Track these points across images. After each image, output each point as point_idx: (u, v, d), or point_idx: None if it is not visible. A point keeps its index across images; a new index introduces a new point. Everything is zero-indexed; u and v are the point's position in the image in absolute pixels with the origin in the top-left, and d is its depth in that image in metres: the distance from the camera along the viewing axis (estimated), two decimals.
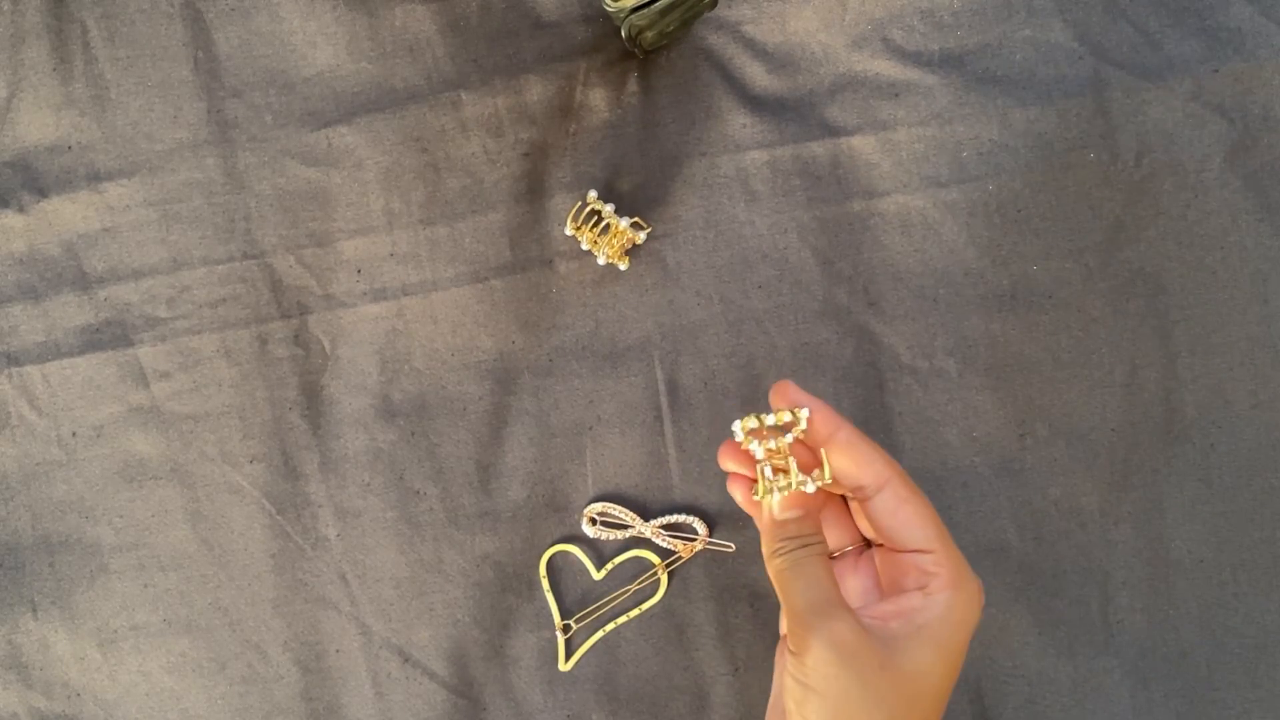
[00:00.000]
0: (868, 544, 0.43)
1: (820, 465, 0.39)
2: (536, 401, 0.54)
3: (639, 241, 0.53)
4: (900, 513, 0.39)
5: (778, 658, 0.43)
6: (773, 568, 0.39)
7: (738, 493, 0.43)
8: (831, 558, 0.43)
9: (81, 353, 0.54)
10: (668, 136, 0.54)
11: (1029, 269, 0.53)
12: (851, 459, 0.39)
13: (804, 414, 0.39)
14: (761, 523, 0.40)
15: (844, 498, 0.44)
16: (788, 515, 0.39)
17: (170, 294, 0.54)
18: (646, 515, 0.53)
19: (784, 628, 0.41)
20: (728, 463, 0.42)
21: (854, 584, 0.42)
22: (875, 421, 0.53)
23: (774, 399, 0.41)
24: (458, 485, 0.54)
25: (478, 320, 0.54)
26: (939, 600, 0.37)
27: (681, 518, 0.52)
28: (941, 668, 0.37)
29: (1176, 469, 0.52)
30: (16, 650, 0.54)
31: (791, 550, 0.38)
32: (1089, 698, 0.52)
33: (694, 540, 0.52)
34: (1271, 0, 0.52)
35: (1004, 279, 0.53)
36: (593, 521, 0.52)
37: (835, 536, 0.43)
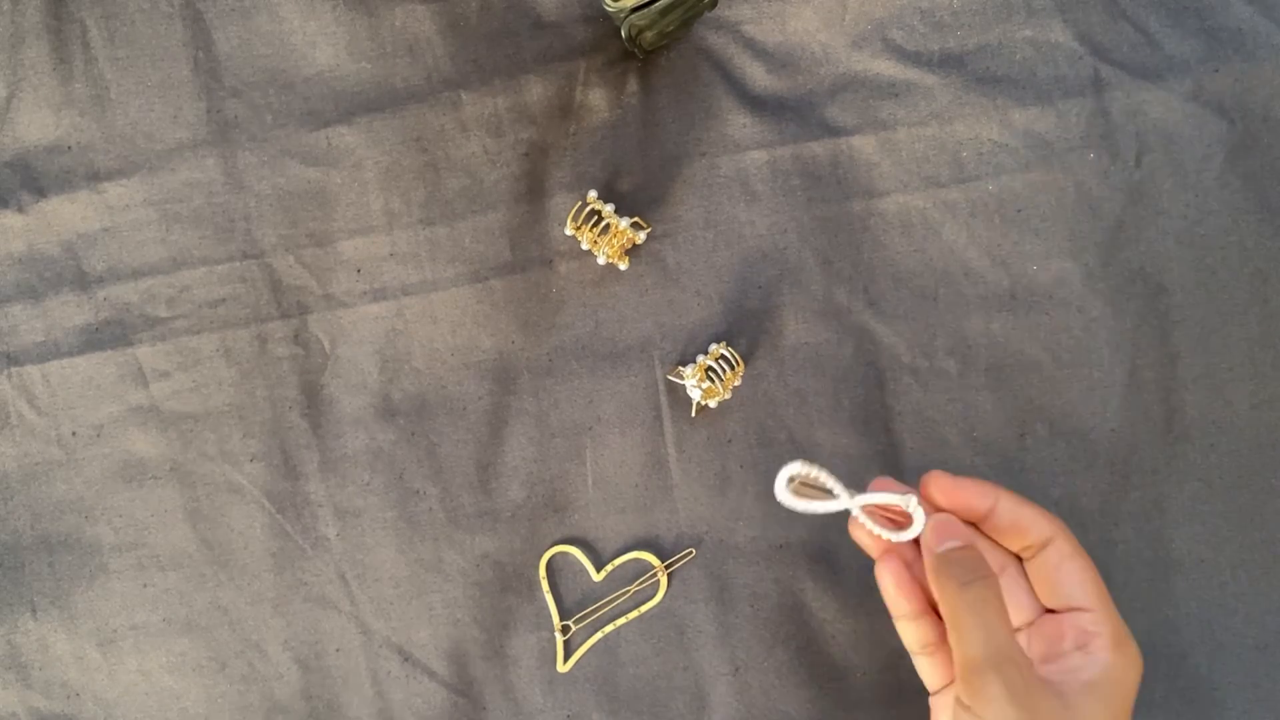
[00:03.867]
0: None
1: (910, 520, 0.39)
2: (536, 401, 0.54)
3: (639, 241, 0.53)
4: (1063, 569, 0.38)
5: (935, 713, 0.41)
6: (945, 605, 0.36)
7: (863, 537, 0.41)
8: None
9: (81, 352, 0.54)
10: (668, 136, 0.54)
11: (1029, 269, 0.53)
12: (1013, 522, 0.39)
13: (917, 513, 0.38)
14: (925, 561, 0.38)
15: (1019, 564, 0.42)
16: (950, 545, 0.37)
17: (170, 294, 0.54)
18: (655, 528, 0.53)
19: (927, 679, 0.40)
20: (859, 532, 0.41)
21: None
22: (875, 421, 0.53)
23: (929, 493, 0.40)
24: (458, 485, 0.54)
25: (478, 320, 0.54)
26: (1100, 660, 0.36)
27: (896, 499, 0.40)
28: None
29: (1176, 469, 0.52)
30: (16, 650, 0.54)
31: (965, 582, 0.36)
32: None
33: (905, 529, 0.40)
34: (1271, 0, 0.52)
35: (1004, 279, 0.53)
36: (791, 480, 0.39)
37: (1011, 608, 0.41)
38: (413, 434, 0.54)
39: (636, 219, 0.53)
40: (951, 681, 0.40)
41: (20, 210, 0.54)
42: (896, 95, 0.53)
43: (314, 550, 0.54)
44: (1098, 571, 0.38)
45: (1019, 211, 0.53)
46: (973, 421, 0.53)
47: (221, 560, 0.54)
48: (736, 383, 0.52)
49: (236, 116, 0.54)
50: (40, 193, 0.54)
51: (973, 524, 0.40)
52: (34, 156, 0.54)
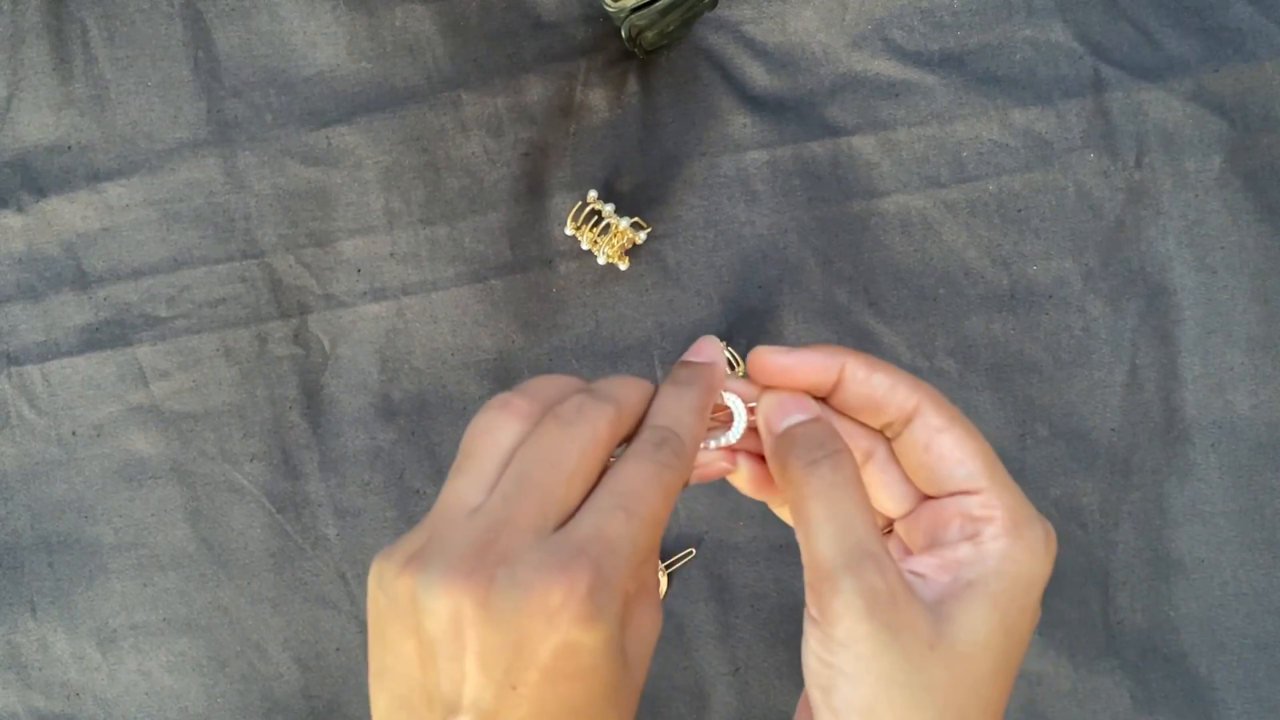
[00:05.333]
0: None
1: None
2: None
3: (639, 241, 0.53)
4: (934, 445, 0.30)
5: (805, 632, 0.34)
6: (790, 494, 0.30)
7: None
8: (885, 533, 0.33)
9: (81, 352, 0.54)
10: (668, 136, 0.54)
11: (1029, 269, 0.53)
12: (866, 394, 0.31)
13: (736, 405, 0.32)
14: (764, 443, 0.32)
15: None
16: (791, 419, 0.31)
17: (170, 293, 0.54)
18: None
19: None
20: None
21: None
22: None
23: (757, 375, 0.32)
24: None
25: (478, 320, 0.54)
26: (993, 550, 0.29)
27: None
28: (1002, 638, 0.28)
29: (1176, 469, 0.52)
30: (16, 650, 0.54)
31: (810, 461, 0.29)
32: (1089, 698, 0.52)
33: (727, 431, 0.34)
34: (1271, 0, 0.52)
35: (1004, 279, 0.53)
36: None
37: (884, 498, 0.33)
38: (413, 434, 0.54)
39: (636, 219, 0.53)
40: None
41: (20, 210, 0.54)
42: (896, 95, 0.53)
43: (314, 550, 0.54)
44: (983, 441, 0.30)
45: (1019, 211, 0.53)
46: (973, 421, 0.53)
47: (221, 560, 0.54)
48: None
49: (236, 116, 0.54)
50: (40, 193, 0.54)
51: (821, 400, 0.32)
52: (34, 156, 0.54)
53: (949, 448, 0.30)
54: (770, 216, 0.53)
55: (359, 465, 0.54)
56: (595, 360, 0.54)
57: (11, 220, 0.54)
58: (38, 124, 0.54)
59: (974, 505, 0.29)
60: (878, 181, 0.53)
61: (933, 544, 0.30)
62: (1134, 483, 0.52)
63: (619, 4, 0.45)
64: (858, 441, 0.32)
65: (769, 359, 0.31)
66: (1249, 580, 0.52)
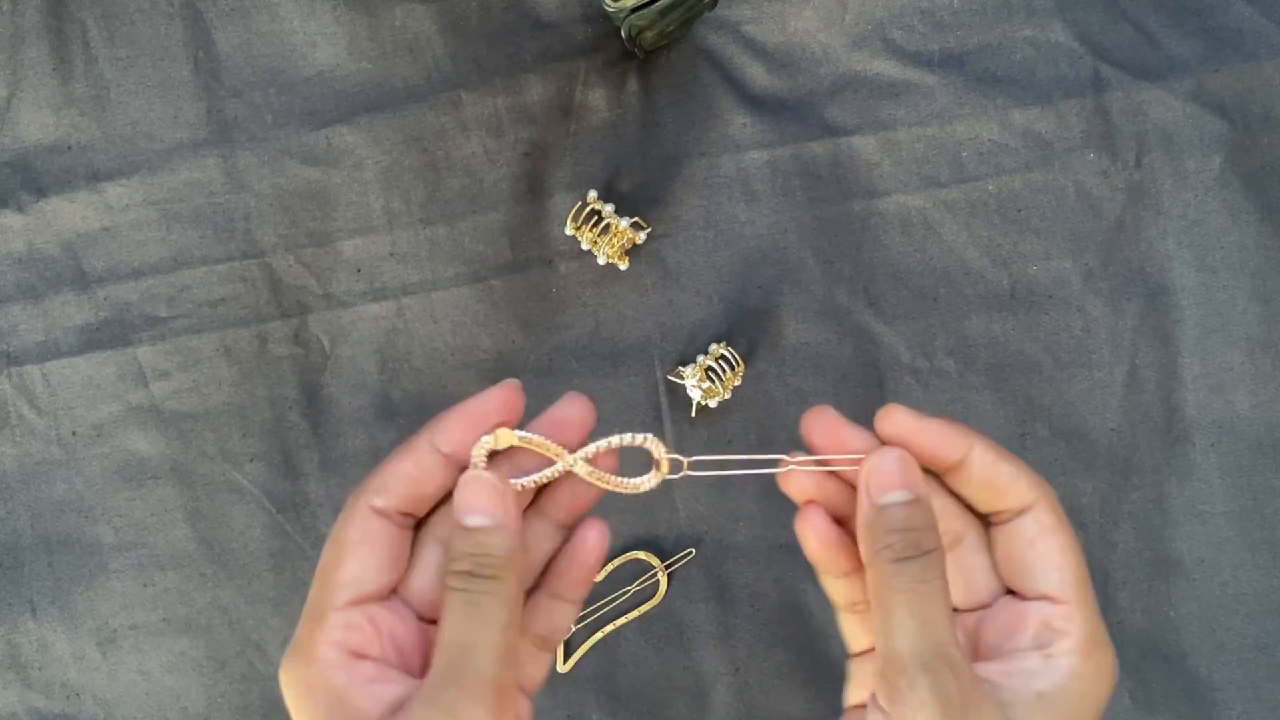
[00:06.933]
0: None
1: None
2: (536, 401, 0.54)
3: (639, 241, 0.53)
4: (1038, 545, 0.30)
5: (855, 679, 0.34)
6: (872, 577, 0.29)
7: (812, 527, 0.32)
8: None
9: (81, 352, 0.54)
10: (668, 136, 0.54)
11: (1029, 269, 0.53)
12: (988, 479, 0.30)
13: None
14: (859, 507, 0.30)
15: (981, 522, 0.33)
16: (894, 499, 0.29)
17: (170, 293, 0.54)
18: (655, 528, 0.53)
19: (848, 680, 0.32)
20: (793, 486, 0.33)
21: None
22: None
23: (883, 431, 0.31)
24: None
25: (478, 320, 0.54)
26: (1063, 665, 0.29)
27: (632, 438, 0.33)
28: None
29: (1176, 469, 0.52)
30: (15, 650, 0.54)
31: (902, 558, 0.28)
32: None
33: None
34: (1271, 0, 0.52)
35: (1004, 279, 0.53)
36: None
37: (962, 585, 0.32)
38: (412, 434, 0.54)
39: (636, 219, 0.53)
40: (862, 651, 0.33)
41: (20, 210, 0.54)
42: (896, 95, 0.53)
43: (314, 550, 0.54)
44: (1081, 555, 0.30)
45: (1019, 211, 0.53)
46: (973, 421, 0.53)
47: (221, 560, 0.54)
48: (736, 383, 0.52)
49: (236, 116, 0.54)
50: (40, 193, 0.54)
51: (934, 475, 0.32)
52: (34, 156, 0.54)
53: (1053, 551, 0.30)
54: (770, 216, 0.53)
55: (359, 465, 0.54)
56: (595, 360, 0.54)
57: (11, 220, 0.54)
58: (38, 124, 0.54)
59: (1056, 616, 0.29)
60: (878, 181, 0.53)
61: (1002, 647, 0.30)
62: (1134, 483, 0.52)
63: (619, 4, 0.45)
64: (952, 523, 0.32)
65: (900, 416, 0.31)
66: (1249, 580, 0.52)
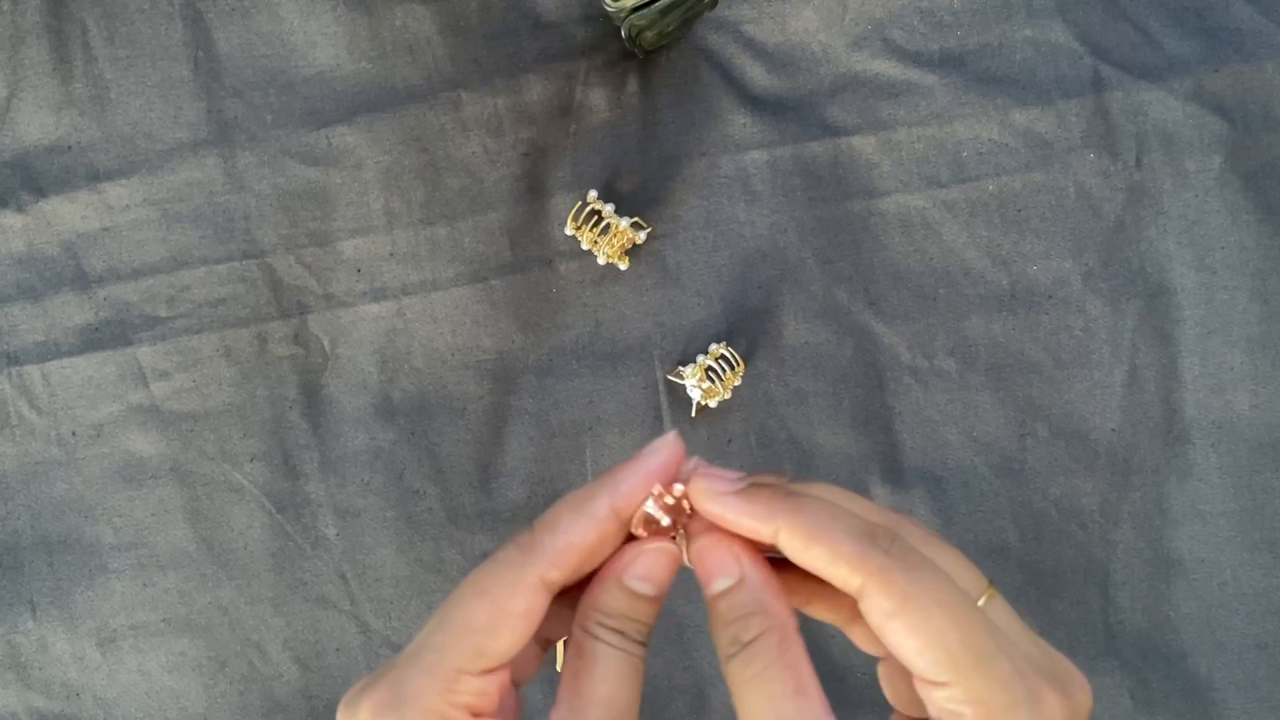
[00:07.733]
0: None
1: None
2: (536, 401, 0.54)
3: (639, 241, 0.53)
4: (886, 634, 0.26)
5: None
6: (726, 678, 0.27)
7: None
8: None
9: (81, 352, 0.54)
10: (668, 136, 0.54)
11: (1029, 269, 0.53)
12: (808, 563, 0.27)
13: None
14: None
15: None
16: (717, 587, 0.27)
17: (170, 293, 0.54)
18: None
19: None
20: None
21: None
22: (875, 421, 0.53)
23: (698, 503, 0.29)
24: (457, 485, 0.54)
25: (478, 320, 0.54)
26: None
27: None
28: None
29: (1176, 469, 0.52)
30: (15, 650, 0.54)
31: (728, 655, 0.26)
32: None
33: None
34: (1271, 0, 0.52)
35: (1004, 279, 0.53)
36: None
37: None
38: (413, 434, 0.54)
39: (636, 219, 0.53)
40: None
41: (20, 210, 0.54)
42: (896, 95, 0.53)
43: (314, 550, 0.54)
44: (955, 618, 0.25)
45: (1019, 211, 0.53)
46: (973, 421, 0.53)
47: (221, 560, 0.54)
48: (736, 383, 0.52)
49: (236, 116, 0.54)
50: (40, 193, 0.54)
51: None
52: (34, 156, 0.54)
53: (900, 636, 0.25)
54: (770, 216, 0.53)
55: (359, 465, 0.54)
56: (595, 360, 0.54)
57: (11, 220, 0.54)
58: (38, 124, 0.54)
59: (941, 699, 0.25)
60: (878, 181, 0.53)
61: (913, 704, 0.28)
62: (1134, 483, 0.52)
63: (619, 4, 0.45)
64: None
65: (702, 504, 0.28)
66: (1249, 580, 0.52)
